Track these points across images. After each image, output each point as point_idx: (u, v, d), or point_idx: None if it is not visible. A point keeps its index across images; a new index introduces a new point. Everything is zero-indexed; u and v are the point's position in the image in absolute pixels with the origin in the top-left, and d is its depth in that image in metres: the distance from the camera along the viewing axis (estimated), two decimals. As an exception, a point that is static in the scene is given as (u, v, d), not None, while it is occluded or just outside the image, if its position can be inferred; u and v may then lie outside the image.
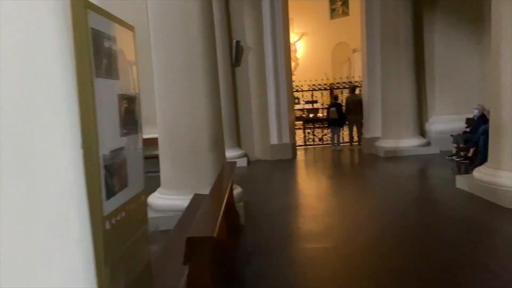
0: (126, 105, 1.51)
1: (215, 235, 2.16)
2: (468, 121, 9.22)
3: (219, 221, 2.53)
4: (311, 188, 7.01)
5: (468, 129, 8.50)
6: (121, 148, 1.41)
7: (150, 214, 5.08)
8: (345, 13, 18.90)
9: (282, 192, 6.60)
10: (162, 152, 5.17)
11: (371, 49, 10.22)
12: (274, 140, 10.04)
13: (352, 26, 18.04)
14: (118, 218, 1.33)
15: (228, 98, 9.46)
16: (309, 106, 13.89)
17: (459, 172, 7.61)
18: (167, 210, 4.99)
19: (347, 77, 13.66)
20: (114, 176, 1.33)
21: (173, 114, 5.00)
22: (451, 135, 9.28)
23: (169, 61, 4.94)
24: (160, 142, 5.19)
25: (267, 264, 3.76)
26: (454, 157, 8.55)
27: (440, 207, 5.30)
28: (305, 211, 5.51)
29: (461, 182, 6.01)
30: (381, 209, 5.37)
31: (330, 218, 5.11)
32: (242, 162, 9.36)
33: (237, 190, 5.32)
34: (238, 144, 9.93)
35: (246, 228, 4.83)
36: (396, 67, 9.56)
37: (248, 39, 9.89)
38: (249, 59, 9.93)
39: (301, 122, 12.58)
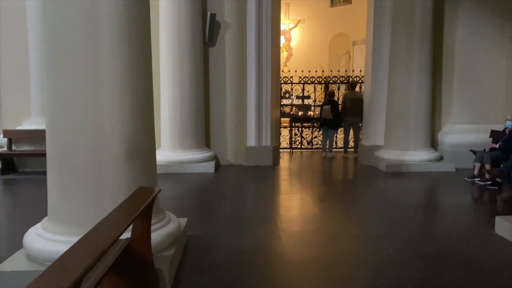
0: None
1: None
2: (494, 134, 7.39)
3: None
4: (291, 217, 5.08)
5: (497, 146, 6.65)
6: None
7: (23, 265, 3.14)
8: (347, 0, 16.93)
9: (248, 222, 4.68)
10: (50, 164, 3.22)
11: (378, 39, 8.29)
12: (251, 141, 8.11)
13: (354, 15, 16.16)
14: None
15: (196, 85, 7.49)
16: (299, 102, 11.94)
17: (481, 200, 5.81)
18: (48, 260, 3.05)
19: (346, 71, 11.72)
20: None
21: (64, 106, 3.04)
22: (471, 151, 7.46)
23: (60, 27, 2.97)
24: (47, 149, 3.24)
25: None
26: (476, 180, 6.72)
27: (476, 270, 3.44)
28: (276, 265, 3.58)
29: (505, 228, 4.15)
30: (385, 268, 3.50)
31: (312, 284, 3.22)
32: (208, 168, 7.44)
33: (166, 229, 3.37)
34: (207, 144, 7.99)
35: (170, 298, 2.92)
36: (407, 62, 7.66)
37: (227, 14, 7.89)
38: (227, 38, 7.94)
39: (288, 119, 10.63)
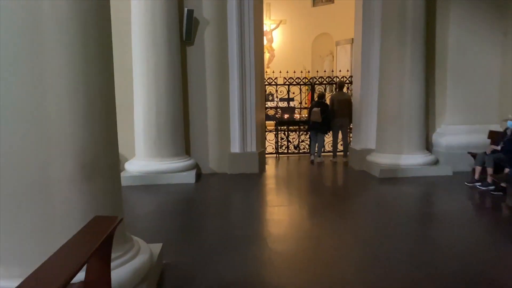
0: None
1: None
2: (493, 135, 6.98)
3: None
4: (283, 236, 4.43)
5: (498, 147, 6.22)
6: None
7: None
8: (330, 0, 16.51)
9: (236, 244, 4.03)
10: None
11: (368, 39, 7.76)
12: (235, 147, 7.48)
13: (337, 15, 15.71)
14: None
15: (173, 86, 6.81)
16: (284, 104, 11.37)
17: (486, 208, 5.37)
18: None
19: (332, 71, 11.24)
20: None
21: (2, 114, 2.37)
22: (470, 153, 7.03)
23: None
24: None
25: None
26: (477, 185, 6.27)
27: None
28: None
29: (528, 243, 3.66)
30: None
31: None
32: (188, 177, 6.77)
33: (133, 263, 2.71)
34: (187, 151, 7.31)
35: None
36: (399, 61, 7.18)
37: (206, 10, 7.26)
38: (206, 36, 7.31)
39: (274, 122, 10.04)
